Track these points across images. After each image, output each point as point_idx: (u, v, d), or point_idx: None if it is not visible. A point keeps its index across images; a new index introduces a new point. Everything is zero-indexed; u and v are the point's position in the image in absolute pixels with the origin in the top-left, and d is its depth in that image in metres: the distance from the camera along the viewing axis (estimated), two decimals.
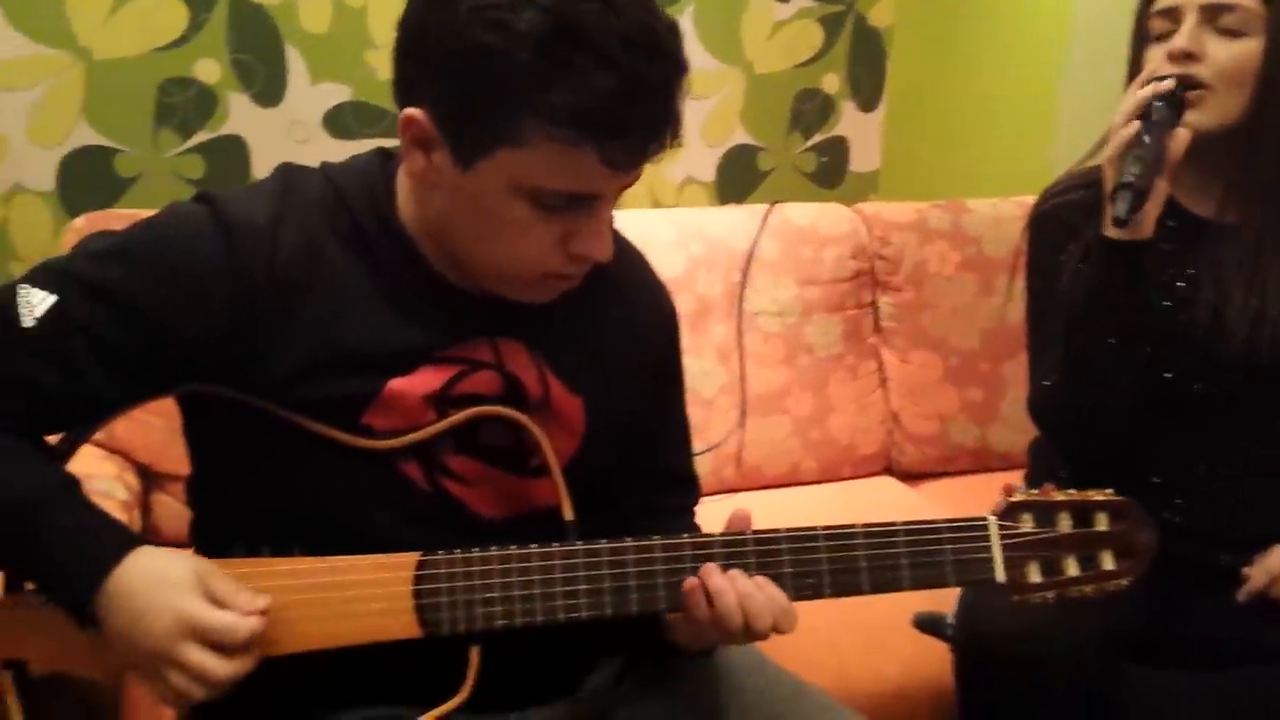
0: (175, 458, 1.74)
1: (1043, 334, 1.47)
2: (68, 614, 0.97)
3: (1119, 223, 1.28)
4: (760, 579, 1.00)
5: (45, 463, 1.00)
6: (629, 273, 1.17)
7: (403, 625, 0.99)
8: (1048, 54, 2.49)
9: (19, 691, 1.02)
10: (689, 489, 1.25)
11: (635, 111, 0.92)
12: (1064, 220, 1.46)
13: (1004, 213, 2.24)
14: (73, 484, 0.99)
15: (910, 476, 2.20)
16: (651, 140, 0.95)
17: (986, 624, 1.35)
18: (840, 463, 2.15)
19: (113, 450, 1.73)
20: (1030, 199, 2.27)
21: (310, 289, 1.00)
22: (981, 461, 2.21)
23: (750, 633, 0.99)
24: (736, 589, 0.99)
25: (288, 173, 1.06)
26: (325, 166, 1.07)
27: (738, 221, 2.12)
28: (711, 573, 1.00)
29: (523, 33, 0.90)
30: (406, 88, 0.98)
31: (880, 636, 1.63)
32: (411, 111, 0.96)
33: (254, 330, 0.99)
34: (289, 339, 1.00)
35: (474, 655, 1.01)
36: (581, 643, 1.13)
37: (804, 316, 2.11)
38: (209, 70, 2.07)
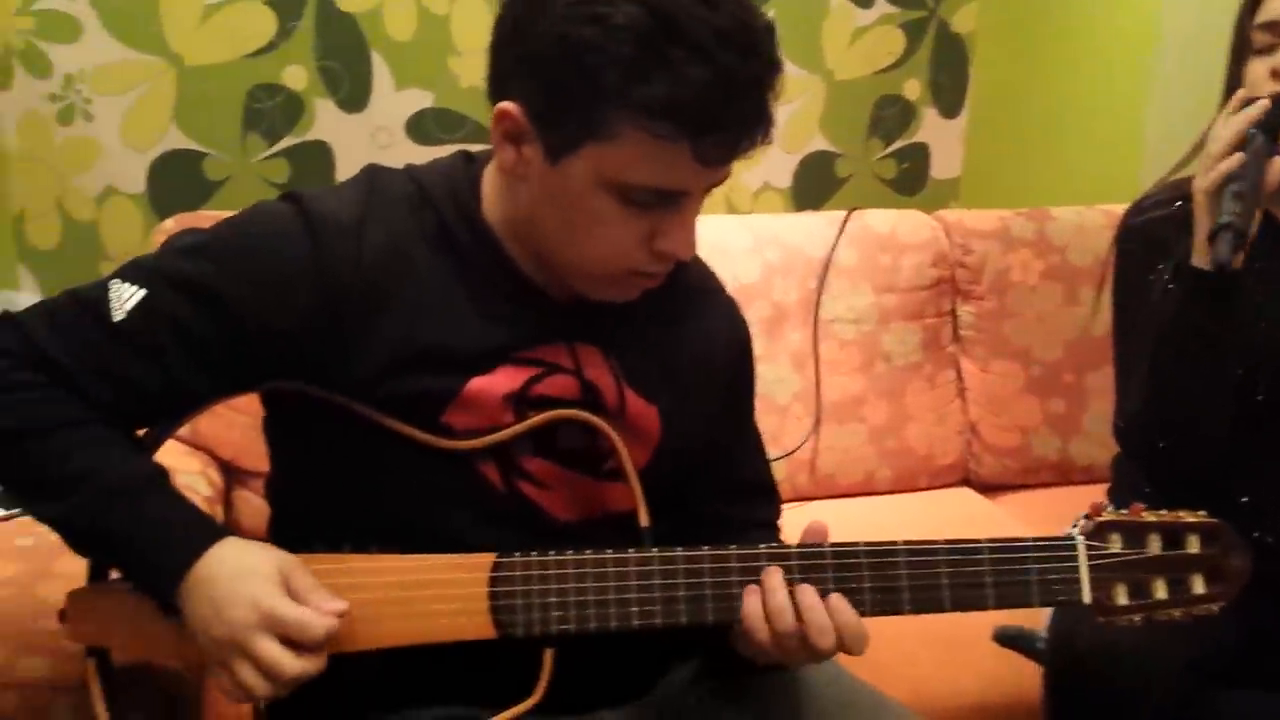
0: (258, 454, 1.76)
1: (1129, 354, 1.43)
2: (153, 600, 0.99)
3: (1221, 266, 1.22)
4: (836, 597, 0.98)
5: (135, 452, 1.03)
6: (704, 290, 1.17)
7: (477, 626, 1.00)
8: (1135, 59, 2.44)
9: (102, 679, 1.05)
10: (768, 500, 1.24)
11: (729, 107, 0.92)
12: (1154, 236, 1.42)
13: (1089, 221, 2.20)
14: (161, 474, 1.01)
15: (989, 488, 2.16)
16: (744, 137, 0.95)
17: (1084, 644, 1.31)
18: (917, 473, 2.12)
19: (196, 446, 1.77)
20: (1117, 207, 2.23)
21: (395, 288, 1.01)
22: (1063, 475, 2.17)
23: (811, 650, 0.98)
24: (802, 604, 0.97)
25: (373, 173, 1.07)
26: (410, 167, 1.08)
27: (815, 228, 2.11)
28: (775, 591, 0.98)
29: (620, 26, 0.90)
30: (501, 81, 0.99)
31: (959, 650, 1.61)
32: (505, 105, 0.97)
33: (338, 328, 1.00)
34: (373, 337, 1.01)
35: (547, 657, 1.01)
36: (654, 647, 1.13)
37: (881, 324, 2.09)
38: (296, 77, 2.11)
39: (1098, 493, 1.67)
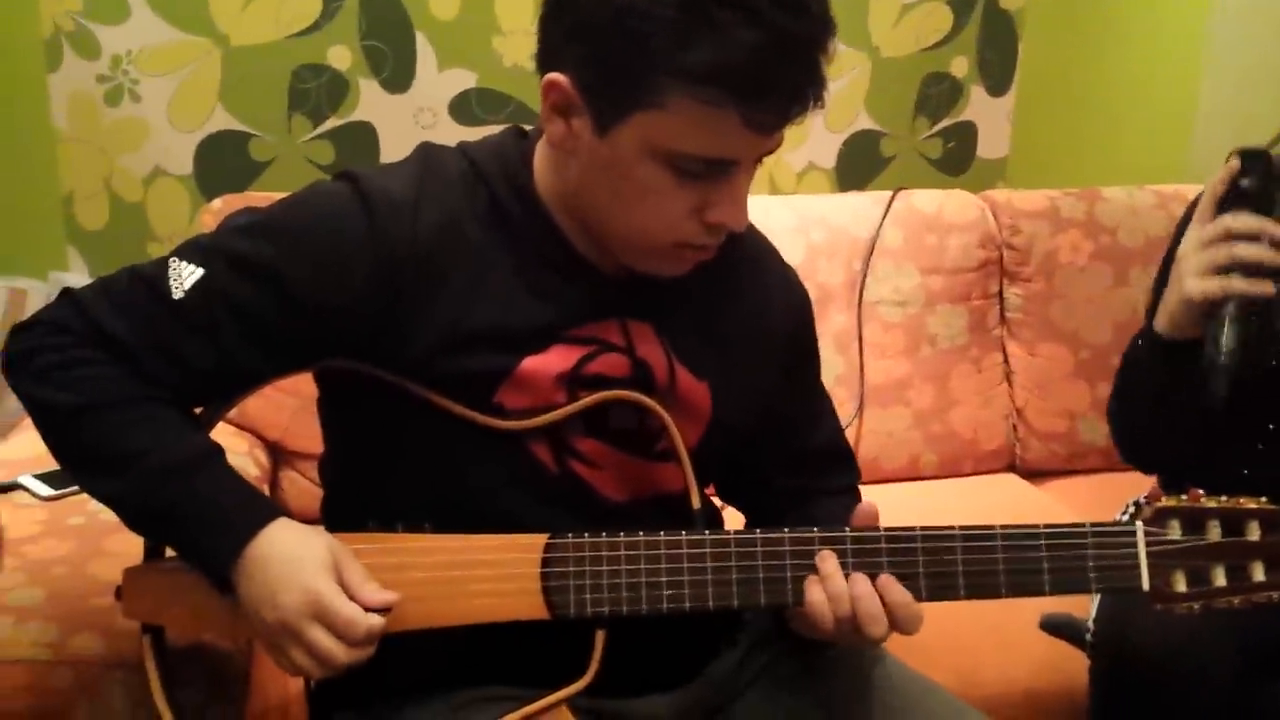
0: (304, 436, 1.79)
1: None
2: (208, 579, 1.00)
3: (1214, 405, 1.12)
4: (886, 578, 0.98)
5: (192, 430, 1.03)
6: (758, 259, 1.16)
7: (530, 606, 1.00)
8: (1187, 35, 2.39)
9: (156, 656, 1.06)
10: (843, 465, 1.23)
11: (779, 70, 0.90)
12: None
13: (1140, 201, 2.16)
14: (218, 452, 1.02)
15: (1035, 474, 2.14)
16: (794, 101, 0.93)
17: (1135, 634, 1.29)
18: (962, 458, 2.10)
19: (243, 427, 1.78)
20: (1168, 187, 2.20)
21: (450, 265, 1.01)
22: (1111, 460, 2.11)
23: (863, 637, 0.97)
24: (852, 593, 0.97)
25: (426, 151, 1.07)
26: (462, 145, 1.07)
27: (860, 208, 2.09)
28: (831, 574, 0.98)
29: None
30: (549, 53, 0.98)
31: (1007, 636, 1.59)
32: (554, 76, 0.96)
33: (395, 306, 1.00)
34: (428, 315, 1.01)
35: (599, 639, 1.01)
36: (705, 629, 1.13)
37: (927, 306, 2.06)
38: (341, 57, 2.12)
39: (1146, 480, 1.65)
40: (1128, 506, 1.62)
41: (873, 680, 1.13)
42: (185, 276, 1.00)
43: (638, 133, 0.94)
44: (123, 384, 1.00)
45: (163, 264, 1.02)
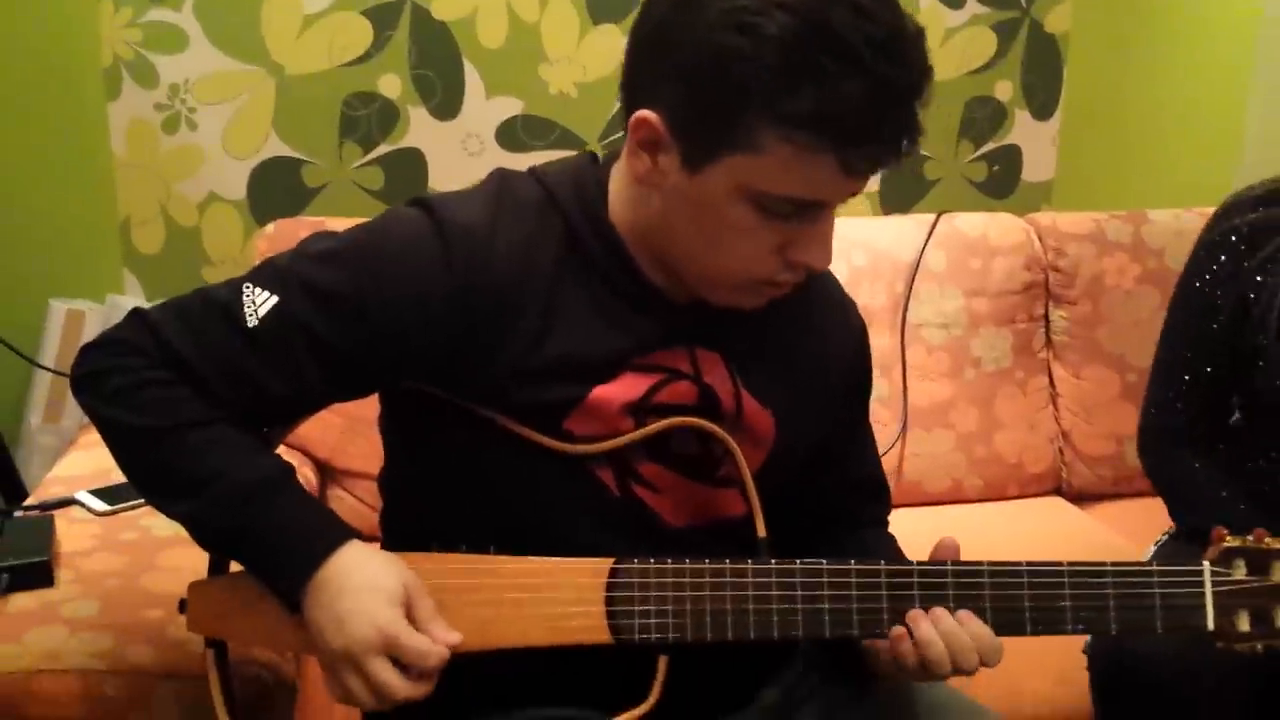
0: (351, 455, 1.82)
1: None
2: (278, 598, 1.00)
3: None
4: (964, 614, 0.98)
5: (265, 452, 1.03)
6: (822, 288, 1.16)
7: (593, 630, 1.00)
8: (1234, 58, 2.38)
9: (218, 669, 1.06)
10: (880, 498, 1.24)
11: (880, 117, 0.91)
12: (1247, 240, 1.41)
13: (1187, 224, 2.15)
14: (291, 472, 1.02)
15: (1081, 498, 2.12)
16: (891, 146, 0.93)
17: (1129, 642, 1.30)
18: (1006, 481, 2.09)
19: (292, 446, 1.80)
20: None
21: (524, 295, 1.01)
22: None
23: (958, 674, 0.98)
24: (940, 629, 0.97)
25: (501, 178, 1.07)
26: (535, 171, 1.07)
27: (903, 231, 2.09)
28: (919, 621, 0.98)
29: (771, 35, 0.89)
30: (640, 89, 0.98)
31: (1053, 660, 1.58)
32: (644, 113, 0.96)
33: (469, 336, 1.00)
34: (502, 346, 1.01)
35: (662, 664, 1.01)
36: (763, 652, 1.12)
37: (971, 329, 2.06)
38: (391, 85, 2.15)
39: None
40: (1160, 539, 1.61)
41: (922, 699, 1.12)
42: (260, 303, 1.00)
43: (728, 173, 0.94)
44: (194, 406, 1.00)
45: (236, 288, 1.02)
